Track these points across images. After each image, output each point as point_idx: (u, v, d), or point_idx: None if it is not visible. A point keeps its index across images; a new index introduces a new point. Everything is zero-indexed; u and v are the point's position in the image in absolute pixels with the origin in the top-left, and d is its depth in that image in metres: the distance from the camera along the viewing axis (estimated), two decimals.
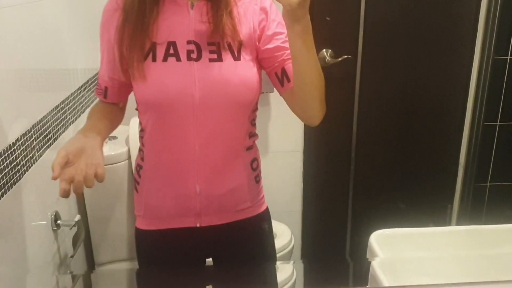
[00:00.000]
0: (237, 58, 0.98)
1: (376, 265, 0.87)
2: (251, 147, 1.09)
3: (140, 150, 1.13)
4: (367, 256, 0.99)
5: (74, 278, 1.42)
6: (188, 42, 0.97)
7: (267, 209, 1.17)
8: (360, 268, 2.24)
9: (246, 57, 0.99)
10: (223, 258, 1.16)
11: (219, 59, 0.96)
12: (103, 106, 1.14)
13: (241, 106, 1.01)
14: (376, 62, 2.01)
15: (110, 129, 1.11)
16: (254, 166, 1.11)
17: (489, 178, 2.10)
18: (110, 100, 1.12)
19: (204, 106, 0.97)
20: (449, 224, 2.24)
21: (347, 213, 2.24)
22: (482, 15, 1.95)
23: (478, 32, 1.96)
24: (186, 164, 1.02)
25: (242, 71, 0.98)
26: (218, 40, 0.97)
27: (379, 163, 2.17)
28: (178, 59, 0.96)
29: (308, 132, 2.07)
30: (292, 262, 1.85)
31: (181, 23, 0.98)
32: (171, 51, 0.97)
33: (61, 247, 1.46)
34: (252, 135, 1.09)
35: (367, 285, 0.70)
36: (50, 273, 1.39)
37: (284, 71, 0.99)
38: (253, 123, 1.08)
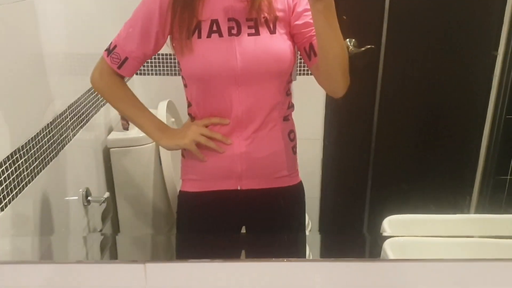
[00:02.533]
0: (272, 32, 1.07)
1: (387, 246, 0.92)
2: (287, 118, 1.16)
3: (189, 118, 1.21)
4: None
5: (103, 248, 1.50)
6: (229, 19, 1.06)
7: (301, 182, 1.24)
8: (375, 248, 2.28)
9: (281, 30, 1.07)
10: (258, 224, 1.23)
11: (257, 33, 1.06)
12: (125, 91, 1.19)
13: (277, 75, 1.09)
14: (399, 53, 2.03)
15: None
16: (292, 136, 1.18)
17: (509, 172, 2.10)
18: (123, 71, 1.15)
19: (245, 76, 1.07)
20: (467, 213, 2.25)
21: (365, 203, 2.27)
22: (508, 6, 1.94)
23: (503, 25, 1.95)
24: (229, 128, 1.12)
25: (277, 43, 1.07)
26: (255, 16, 1.06)
27: (399, 154, 2.20)
28: (221, 35, 1.06)
29: (329, 120, 2.11)
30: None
31: (223, 2, 1.07)
32: (214, 28, 1.06)
33: (90, 222, 1.55)
34: (289, 106, 1.16)
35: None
36: (80, 245, 1.48)
37: (311, 46, 1.07)
38: (288, 93, 1.15)
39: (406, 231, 1.08)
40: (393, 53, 2.01)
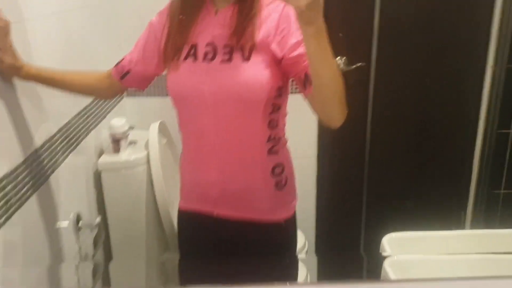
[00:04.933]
0: (246, 58, 1.03)
1: (387, 265, 0.90)
2: (273, 151, 1.11)
3: None
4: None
5: (94, 275, 1.46)
6: (207, 45, 1.06)
7: (290, 219, 1.17)
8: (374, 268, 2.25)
9: (257, 58, 1.02)
10: (234, 256, 1.20)
11: (229, 60, 1.03)
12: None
13: (248, 105, 1.05)
14: (390, 70, 2.04)
15: (66, 79, 1.23)
16: (277, 171, 1.12)
17: (502, 186, 2.10)
18: (124, 82, 1.22)
19: (215, 103, 1.06)
20: (463, 229, 2.24)
21: (361, 219, 2.26)
22: (495, 23, 1.97)
23: (491, 40, 1.98)
24: (205, 154, 1.11)
25: (247, 71, 1.03)
26: (233, 43, 1.03)
27: (393, 169, 2.19)
28: (195, 60, 1.07)
29: (322, 137, 2.11)
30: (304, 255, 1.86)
31: (205, 27, 1.07)
32: (192, 52, 1.07)
33: (82, 248, 1.51)
34: (272, 139, 1.10)
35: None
36: (72, 273, 1.44)
37: (306, 75, 1.01)
38: (272, 126, 1.09)
39: (406, 249, 1.06)
40: (384, 69, 2.02)
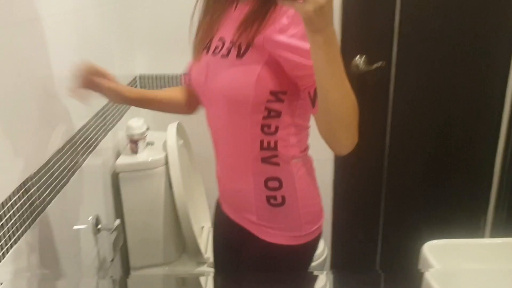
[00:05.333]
0: (240, 56, 0.94)
1: (430, 276, 0.86)
2: (269, 162, 1.00)
3: None
4: (419, 267, 0.98)
5: (114, 282, 1.43)
6: (219, 39, 1.02)
7: (282, 245, 1.04)
8: (391, 280, 2.21)
9: (251, 57, 0.93)
10: (229, 257, 1.20)
11: (227, 55, 0.97)
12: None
13: (235, 103, 0.97)
14: (411, 69, 2.00)
15: (151, 97, 1.24)
16: (272, 185, 1.01)
17: None
18: (186, 85, 1.20)
19: (211, 97, 1.03)
20: (482, 236, 2.20)
21: (378, 223, 2.22)
22: None
23: None
24: (215, 146, 1.11)
25: (237, 68, 0.95)
26: (235, 39, 0.96)
27: (412, 173, 2.15)
28: (206, 52, 1.04)
29: None
30: (325, 272, 1.83)
31: (224, 21, 1.04)
32: (208, 45, 1.05)
33: (100, 251, 1.48)
34: (268, 148, 0.99)
35: None
36: (90, 277, 1.41)
37: (315, 91, 0.88)
38: (266, 131, 0.98)
39: (447, 258, 1.01)
40: (404, 69, 1.98)
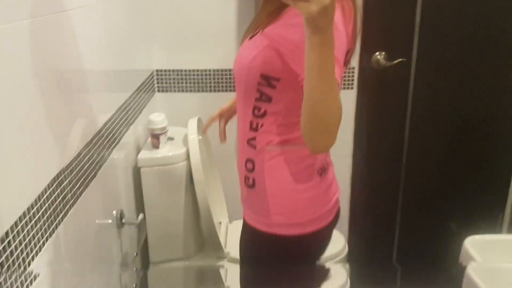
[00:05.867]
0: (251, 38, 1.02)
1: (472, 271, 0.85)
2: (251, 144, 1.05)
3: None
4: (460, 261, 0.97)
5: (137, 274, 1.43)
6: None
7: (260, 230, 1.07)
8: (408, 273, 2.21)
9: (256, 41, 0.99)
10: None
11: (248, 39, 1.04)
12: None
13: (238, 82, 1.06)
14: (431, 66, 1.99)
15: None
16: (248, 166, 1.06)
17: None
18: None
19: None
20: (499, 232, 2.19)
21: (396, 219, 2.21)
22: None
23: None
24: None
25: (244, 49, 1.03)
26: (258, 27, 1.01)
27: (430, 169, 2.15)
28: (247, 38, 1.06)
29: (359, 136, 2.06)
30: (342, 264, 1.83)
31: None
32: (249, 32, 1.06)
33: (123, 245, 1.47)
34: (254, 128, 1.03)
35: None
36: (115, 270, 1.41)
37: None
38: (255, 113, 1.02)
39: (488, 253, 1.01)
40: (425, 66, 1.97)
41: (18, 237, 0.82)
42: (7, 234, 0.78)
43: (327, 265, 1.70)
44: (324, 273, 1.29)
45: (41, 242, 0.90)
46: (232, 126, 1.32)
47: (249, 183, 1.07)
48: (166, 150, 1.65)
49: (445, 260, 1.95)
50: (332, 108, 0.83)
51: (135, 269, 1.48)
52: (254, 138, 1.04)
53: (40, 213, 0.90)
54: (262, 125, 1.02)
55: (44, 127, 0.94)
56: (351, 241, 2.19)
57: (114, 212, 1.39)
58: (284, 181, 1.03)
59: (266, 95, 1.00)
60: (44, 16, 0.95)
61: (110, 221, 1.36)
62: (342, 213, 2.15)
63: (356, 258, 2.19)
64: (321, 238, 1.10)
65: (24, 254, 0.84)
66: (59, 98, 1.03)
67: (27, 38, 0.88)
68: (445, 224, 2.14)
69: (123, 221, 1.41)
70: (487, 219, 2.17)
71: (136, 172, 1.62)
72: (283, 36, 0.94)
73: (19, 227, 0.82)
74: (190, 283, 1.71)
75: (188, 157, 1.63)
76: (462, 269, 0.85)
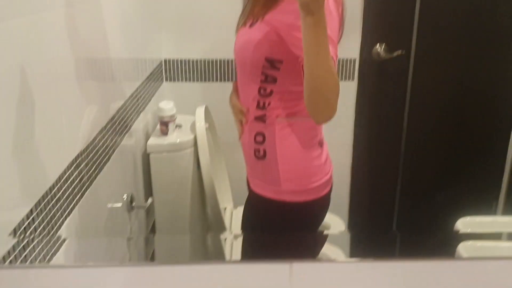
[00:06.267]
0: (251, 25, 1.12)
1: (463, 249, 0.92)
2: (261, 119, 1.15)
3: None
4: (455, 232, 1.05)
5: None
6: (251, 13, 1.16)
7: (266, 198, 1.18)
8: (407, 239, 2.26)
9: (257, 28, 1.10)
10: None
11: (244, 25, 1.15)
12: None
13: (242, 68, 1.16)
14: (430, 58, 2.04)
15: None
16: (258, 139, 1.16)
17: None
18: None
19: (235, 63, 1.20)
20: None
21: (394, 209, 2.27)
22: None
23: None
24: None
25: (245, 36, 1.13)
26: (257, 14, 1.11)
27: (428, 158, 2.20)
28: (244, 25, 1.17)
29: (358, 125, 2.12)
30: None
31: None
32: (244, 19, 1.17)
33: (133, 228, 1.54)
34: (262, 107, 1.15)
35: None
36: (124, 252, 1.48)
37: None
38: (261, 93, 1.13)
39: (482, 233, 1.08)
40: (424, 58, 2.02)
41: (37, 219, 0.88)
42: (28, 214, 0.85)
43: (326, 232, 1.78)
44: (323, 240, 1.39)
45: (58, 223, 0.97)
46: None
47: (260, 155, 1.17)
48: (174, 137, 1.71)
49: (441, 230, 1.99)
50: (330, 83, 0.94)
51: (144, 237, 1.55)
52: (264, 115, 1.15)
53: (60, 193, 0.97)
54: (269, 103, 1.14)
55: (64, 113, 1.01)
56: (351, 211, 2.25)
57: (125, 195, 1.46)
58: (293, 149, 1.15)
59: (271, 76, 1.11)
60: (62, 8, 1.01)
61: (120, 204, 1.43)
62: (341, 201, 2.23)
63: (357, 225, 2.26)
64: (322, 206, 1.22)
65: (42, 235, 0.90)
66: (76, 85, 1.09)
67: (50, 27, 0.94)
68: (441, 208, 2.20)
69: (133, 204, 1.48)
70: (482, 206, 2.23)
71: (146, 158, 1.69)
72: (283, 21, 1.05)
73: (40, 207, 0.89)
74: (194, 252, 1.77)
75: (195, 144, 1.70)
76: (454, 247, 0.92)
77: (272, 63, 1.10)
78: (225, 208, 1.99)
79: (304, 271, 0.58)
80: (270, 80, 1.12)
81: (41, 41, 0.91)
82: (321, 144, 1.20)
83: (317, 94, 0.97)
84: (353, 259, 0.71)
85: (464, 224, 1.06)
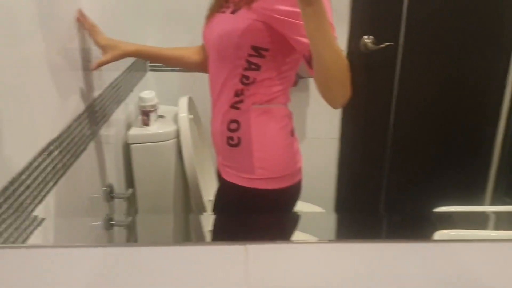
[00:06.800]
0: (233, 12, 1.09)
1: (439, 237, 0.91)
2: (234, 106, 1.14)
3: None
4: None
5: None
6: (225, 0, 1.14)
7: (240, 186, 1.16)
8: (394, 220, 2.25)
9: (242, 15, 1.07)
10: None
11: (224, 12, 1.12)
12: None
13: (222, 55, 1.13)
14: (418, 50, 2.03)
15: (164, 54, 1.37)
16: (232, 127, 1.15)
17: None
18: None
19: (207, 48, 1.19)
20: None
21: (380, 200, 2.27)
22: None
23: None
24: (212, 95, 1.22)
25: (228, 23, 1.10)
26: (239, 1, 1.09)
27: (415, 150, 2.20)
28: (216, 11, 1.15)
29: (346, 119, 2.11)
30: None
31: None
32: (217, 5, 1.16)
33: (113, 218, 1.52)
34: (240, 94, 1.13)
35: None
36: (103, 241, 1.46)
37: (310, 54, 1.02)
38: (243, 82, 1.12)
39: (455, 224, 1.07)
40: (412, 50, 2.01)
41: (6, 203, 0.86)
42: None
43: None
44: (296, 221, 1.39)
45: (29, 210, 0.94)
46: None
47: (233, 142, 1.15)
48: (156, 128, 1.69)
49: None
50: (340, 65, 0.95)
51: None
52: (240, 101, 1.13)
53: (30, 180, 0.94)
54: (248, 90, 1.12)
55: (35, 99, 0.98)
56: (340, 191, 2.24)
57: (104, 185, 1.44)
58: (269, 136, 1.15)
59: (255, 64, 1.09)
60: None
61: (100, 194, 1.41)
62: (327, 195, 2.22)
63: (345, 207, 2.25)
64: (294, 193, 1.22)
65: (12, 219, 0.88)
66: (49, 74, 1.06)
67: (23, 16, 0.91)
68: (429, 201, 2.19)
69: (113, 194, 1.46)
70: (469, 198, 2.23)
71: (127, 149, 1.67)
72: (273, 8, 1.02)
73: (7, 194, 0.86)
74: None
75: (178, 135, 1.68)
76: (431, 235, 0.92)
77: (257, 51, 1.09)
78: (209, 200, 1.97)
79: (258, 252, 0.57)
80: (253, 68, 1.10)
81: (13, 27, 0.88)
82: (292, 133, 1.20)
83: (331, 80, 0.97)
84: (309, 240, 0.71)
85: (442, 213, 1.05)
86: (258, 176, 1.14)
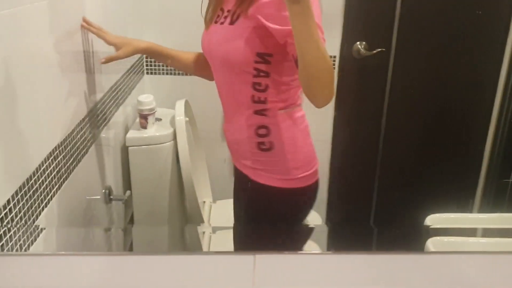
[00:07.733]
0: (232, 23, 1.10)
1: (431, 244, 0.94)
2: (261, 113, 1.15)
3: None
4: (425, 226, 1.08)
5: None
6: (221, 9, 1.16)
7: (274, 187, 1.19)
8: (384, 233, 2.30)
9: (241, 24, 1.08)
10: (237, 204, 1.35)
11: (223, 23, 1.13)
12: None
13: (229, 65, 1.14)
14: (410, 56, 2.07)
15: (171, 55, 1.40)
16: (261, 132, 1.17)
17: None
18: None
19: (210, 60, 1.20)
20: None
21: (371, 205, 2.31)
22: None
23: (510, 31, 2.02)
24: (222, 103, 1.24)
25: (230, 33, 1.11)
26: (235, 9, 1.10)
27: (406, 156, 2.24)
28: (213, 22, 1.16)
29: (338, 122, 2.14)
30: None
31: None
32: (213, 15, 1.17)
33: (111, 220, 1.54)
34: (259, 101, 1.14)
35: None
36: (103, 244, 1.48)
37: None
38: (257, 88, 1.13)
39: (449, 230, 1.11)
40: (404, 56, 2.05)
41: (14, 209, 0.88)
42: (6, 204, 0.85)
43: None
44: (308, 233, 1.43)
45: (35, 214, 0.97)
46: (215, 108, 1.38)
47: (266, 147, 1.18)
48: (153, 130, 1.71)
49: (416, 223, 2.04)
50: (324, 66, 0.96)
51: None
52: (265, 109, 1.15)
53: (37, 184, 0.96)
54: (267, 97, 1.14)
55: (43, 105, 1.00)
56: (330, 204, 2.28)
57: (103, 188, 1.46)
58: (297, 138, 1.19)
59: (263, 71, 1.11)
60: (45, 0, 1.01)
61: (99, 196, 1.43)
62: (320, 197, 2.24)
63: (335, 220, 2.29)
64: (317, 188, 1.27)
65: (19, 225, 0.91)
66: (56, 77, 1.09)
67: (32, 19, 0.94)
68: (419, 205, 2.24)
69: (111, 197, 1.48)
70: (458, 205, 2.28)
71: (125, 151, 1.69)
72: (268, 13, 1.05)
73: (16, 199, 0.88)
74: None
75: (175, 138, 1.70)
76: (423, 243, 0.95)
77: (263, 57, 1.11)
78: (204, 202, 2.00)
79: (266, 262, 0.60)
80: (262, 74, 1.12)
81: (23, 33, 0.90)
82: (309, 132, 1.26)
83: (313, 79, 0.98)
84: (316, 252, 0.74)
85: (433, 220, 1.09)
86: (293, 176, 1.19)
